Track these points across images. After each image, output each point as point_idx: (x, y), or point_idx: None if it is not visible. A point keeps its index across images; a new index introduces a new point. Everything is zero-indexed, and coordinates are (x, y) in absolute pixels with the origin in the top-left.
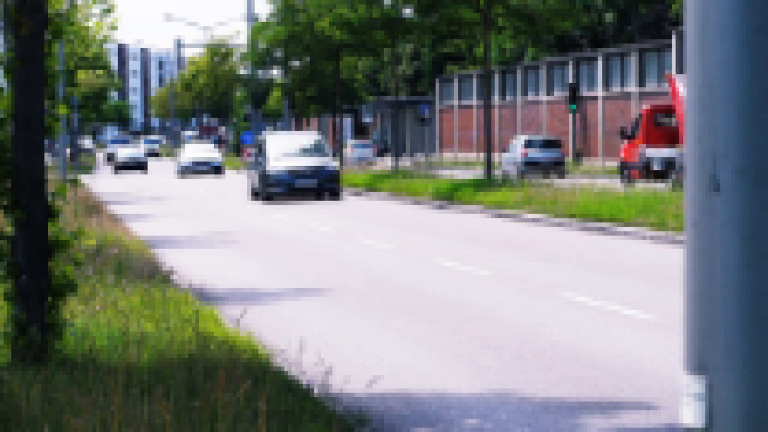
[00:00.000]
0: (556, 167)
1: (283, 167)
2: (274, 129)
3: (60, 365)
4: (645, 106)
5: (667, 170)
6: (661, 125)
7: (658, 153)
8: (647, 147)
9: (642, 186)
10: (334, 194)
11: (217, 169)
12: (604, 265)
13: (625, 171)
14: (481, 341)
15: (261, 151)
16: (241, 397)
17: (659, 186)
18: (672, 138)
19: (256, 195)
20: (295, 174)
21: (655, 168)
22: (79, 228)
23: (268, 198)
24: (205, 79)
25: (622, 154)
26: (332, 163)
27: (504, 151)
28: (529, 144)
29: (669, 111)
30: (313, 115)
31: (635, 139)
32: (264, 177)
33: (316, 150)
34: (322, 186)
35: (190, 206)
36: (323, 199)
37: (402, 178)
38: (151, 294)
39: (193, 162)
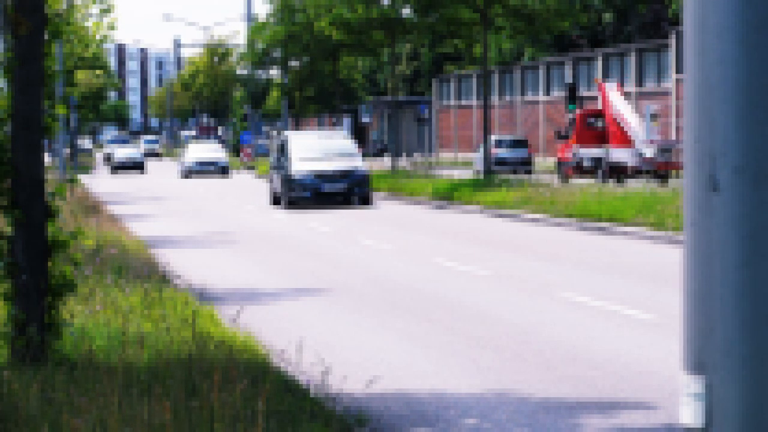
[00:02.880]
0: (523, 165)
1: (308, 170)
2: (273, 129)
3: (59, 365)
4: (578, 111)
5: (596, 167)
6: (591, 127)
7: (588, 152)
8: (579, 147)
9: (586, 183)
10: (365, 200)
11: (224, 170)
12: (604, 265)
13: (561, 169)
14: (481, 341)
15: (283, 151)
16: (239, 397)
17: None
18: (600, 139)
19: (277, 200)
20: (323, 177)
21: (585, 165)
22: (77, 228)
23: (292, 203)
24: (203, 79)
25: (559, 154)
26: (362, 166)
27: (476, 150)
28: (498, 144)
29: (598, 114)
30: (312, 115)
31: (569, 139)
32: (287, 180)
33: (344, 151)
34: (351, 190)
35: (190, 206)
36: (352, 206)
37: (401, 178)
38: (149, 294)
39: (197, 162)
